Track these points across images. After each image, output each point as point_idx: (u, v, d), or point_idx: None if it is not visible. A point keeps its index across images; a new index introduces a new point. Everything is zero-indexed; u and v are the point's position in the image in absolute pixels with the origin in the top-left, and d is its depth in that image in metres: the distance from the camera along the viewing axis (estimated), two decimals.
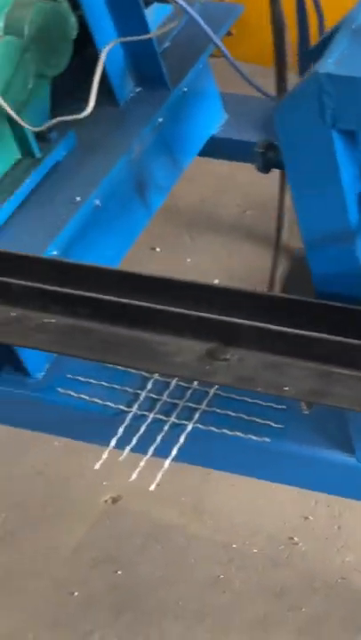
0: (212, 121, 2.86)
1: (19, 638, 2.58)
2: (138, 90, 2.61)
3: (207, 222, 3.78)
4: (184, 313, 1.69)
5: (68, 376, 2.17)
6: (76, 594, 2.66)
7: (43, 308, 1.74)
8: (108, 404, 2.13)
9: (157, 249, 3.63)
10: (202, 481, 2.87)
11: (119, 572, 2.70)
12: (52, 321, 1.73)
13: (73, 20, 2.39)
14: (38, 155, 2.34)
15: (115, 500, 2.87)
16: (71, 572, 2.71)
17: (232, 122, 2.94)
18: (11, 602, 2.66)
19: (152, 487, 2.02)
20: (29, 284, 1.73)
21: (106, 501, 2.87)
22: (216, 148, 2.92)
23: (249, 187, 3.88)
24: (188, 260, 3.63)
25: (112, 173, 2.37)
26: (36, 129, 2.28)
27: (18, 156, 2.34)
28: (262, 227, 3.72)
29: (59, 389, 2.15)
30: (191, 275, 3.35)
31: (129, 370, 2.13)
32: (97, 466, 2.04)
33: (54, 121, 2.32)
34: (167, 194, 2.67)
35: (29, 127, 2.24)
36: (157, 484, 2.15)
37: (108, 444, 2.14)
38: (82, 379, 2.17)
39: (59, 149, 2.38)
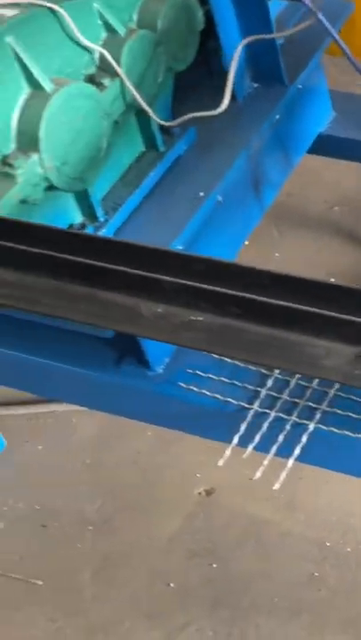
0: (322, 118, 2.86)
1: (115, 626, 2.60)
2: (255, 86, 2.61)
3: (295, 217, 3.78)
4: (333, 315, 1.68)
5: (188, 371, 2.18)
6: (171, 585, 2.68)
7: (191, 305, 1.74)
8: (229, 400, 2.13)
9: (246, 242, 3.62)
10: (295, 477, 2.87)
11: (214, 566, 2.71)
12: (200, 319, 1.73)
13: (200, 14, 2.39)
14: (162, 148, 2.34)
15: (208, 493, 2.88)
16: (167, 563, 2.73)
17: (339, 119, 2.93)
18: (107, 590, 2.68)
19: (276, 486, 2.02)
20: (180, 280, 1.73)
21: (200, 494, 2.88)
22: (322, 146, 2.91)
23: (336, 183, 3.88)
24: (277, 254, 3.63)
25: (233, 169, 2.37)
26: (169, 124, 2.29)
27: (142, 149, 2.35)
28: (350, 223, 3.73)
29: (181, 384, 2.15)
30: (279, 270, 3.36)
31: (249, 366, 2.14)
32: (220, 462, 2.04)
33: (187, 117, 2.32)
34: (279, 190, 2.68)
35: (162, 122, 2.25)
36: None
37: (227, 440, 2.15)
38: (201, 374, 2.17)
39: (180, 144, 2.38)
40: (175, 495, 2.88)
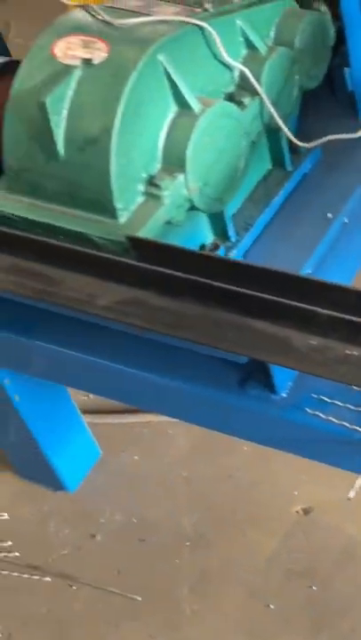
0: None
1: None
2: None
3: None
4: None
5: (313, 396, 2.14)
6: (271, 606, 2.65)
7: (347, 339, 1.71)
8: (357, 428, 2.09)
9: None
10: None
11: (313, 588, 2.68)
12: (355, 353, 1.70)
13: (333, 31, 2.35)
14: (289, 167, 2.30)
15: (306, 512, 2.84)
16: (266, 583, 2.70)
17: None
18: (207, 606, 2.65)
19: None
20: (337, 314, 1.70)
21: (297, 512, 2.85)
22: None
23: None
24: None
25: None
26: (305, 145, 2.25)
27: (269, 166, 2.31)
28: None
29: (307, 409, 2.12)
30: None
31: None
32: (351, 494, 2.01)
33: (326, 139, 2.28)
34: None
35: (299, 142, 2.21)
36: None
37: (355, 470, 2.12)
38: (326, 399, 2.14)
39: (306, 162, 2.34)
40: (272, 513, 2.85)
